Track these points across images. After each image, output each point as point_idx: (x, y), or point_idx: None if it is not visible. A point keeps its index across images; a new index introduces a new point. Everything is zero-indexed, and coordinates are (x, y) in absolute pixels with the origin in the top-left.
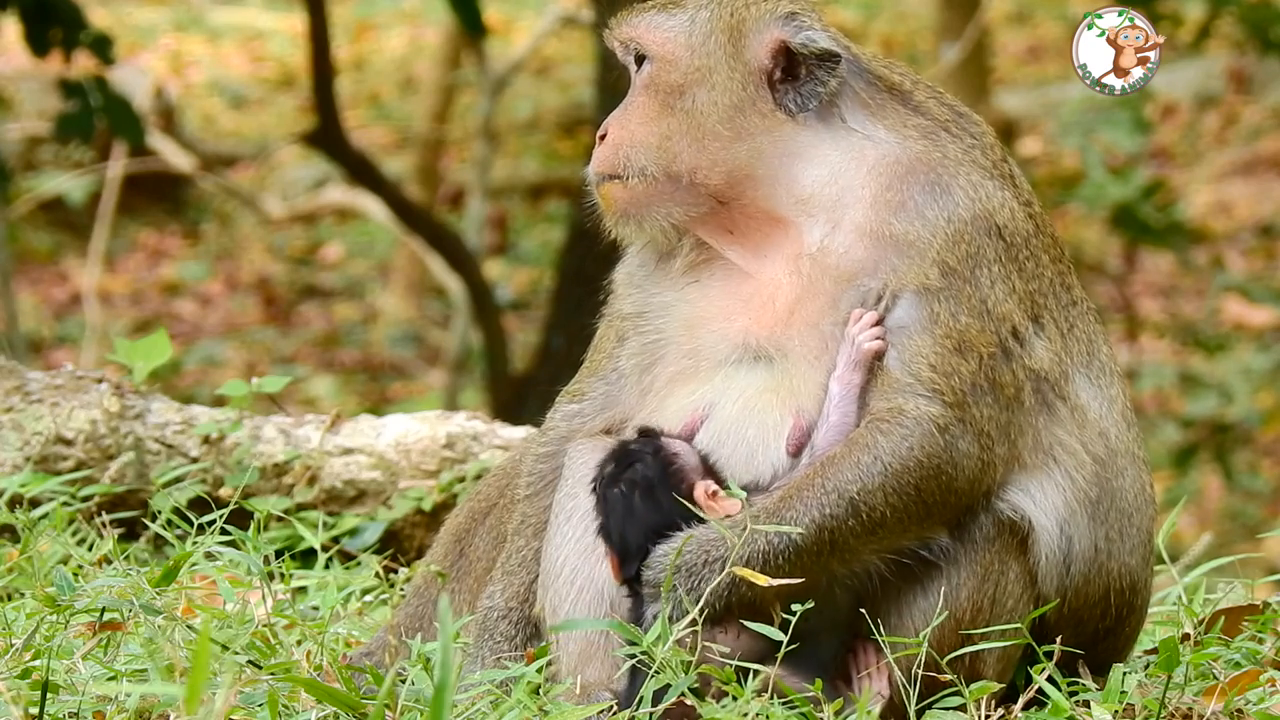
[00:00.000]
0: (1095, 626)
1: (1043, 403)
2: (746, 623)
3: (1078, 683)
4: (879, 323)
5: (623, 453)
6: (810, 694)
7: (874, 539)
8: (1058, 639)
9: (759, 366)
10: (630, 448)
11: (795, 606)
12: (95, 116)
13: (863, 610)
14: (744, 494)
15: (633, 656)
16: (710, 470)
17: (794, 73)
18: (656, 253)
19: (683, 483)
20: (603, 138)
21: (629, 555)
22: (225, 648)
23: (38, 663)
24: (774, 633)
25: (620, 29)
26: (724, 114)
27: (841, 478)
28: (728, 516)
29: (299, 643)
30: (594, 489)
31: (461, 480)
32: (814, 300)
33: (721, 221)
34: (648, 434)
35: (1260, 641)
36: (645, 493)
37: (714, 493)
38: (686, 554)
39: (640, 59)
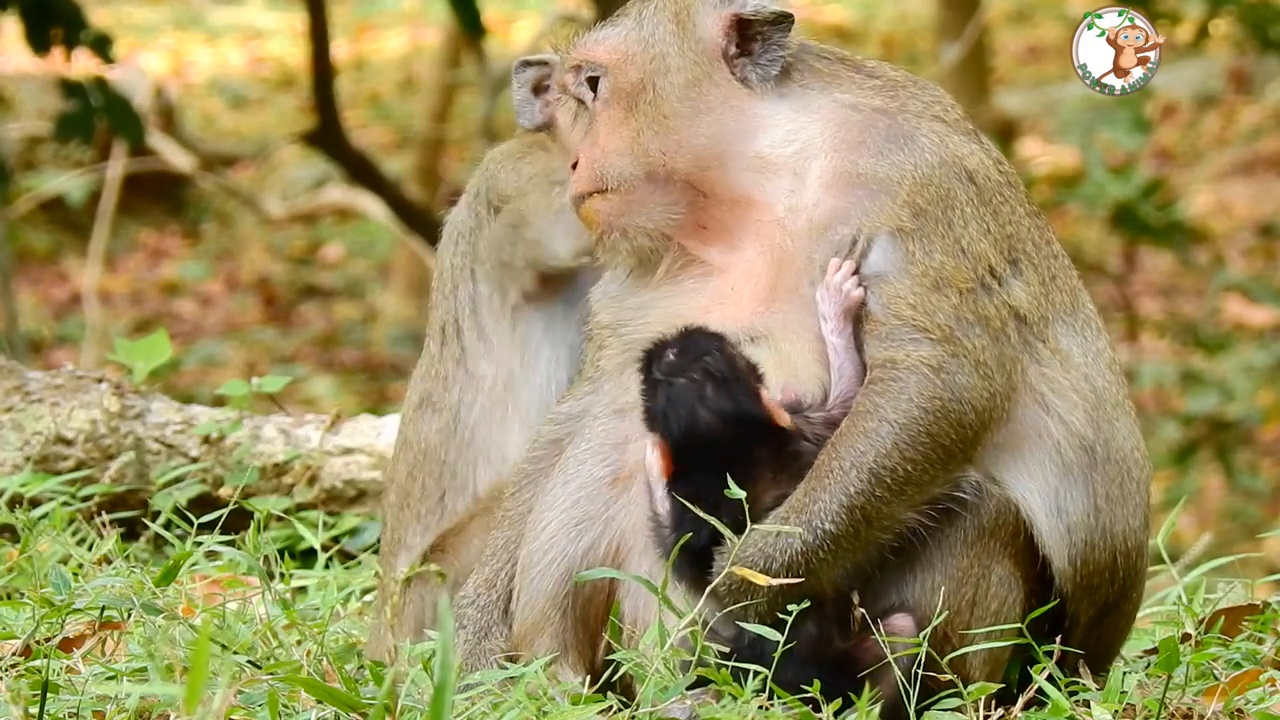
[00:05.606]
0: (1105, 594)
1: (1025, 343)
2: (744, 625)
3: (1078, 682)
4: (856, 271)
5: (688, 342)
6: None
7: (904, 497)
8: (1074, 611)
9: (746, 347)
10: (697, 339)
11: (791, 607)
12: (95, 116)
13: (862, 610)
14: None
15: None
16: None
17: (748, 48)
18: (636, 267)
19: (750, 384)
20: (574, 166)
21: (684, 447)
22: (225, 648)
23: (38, 663)
24: (770, 633)
25: (570, 56)
26: (681, 93)
27: (855, 451)
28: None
29: (299, 643)
30: (646, 375)
31: None
32: (790, 267)
33: (697, 218)
34: (710, 333)
35: (1260, 641)
36: (719, 384)
37: (774, 401)
38: (744, 556)
39: (594, 82)
